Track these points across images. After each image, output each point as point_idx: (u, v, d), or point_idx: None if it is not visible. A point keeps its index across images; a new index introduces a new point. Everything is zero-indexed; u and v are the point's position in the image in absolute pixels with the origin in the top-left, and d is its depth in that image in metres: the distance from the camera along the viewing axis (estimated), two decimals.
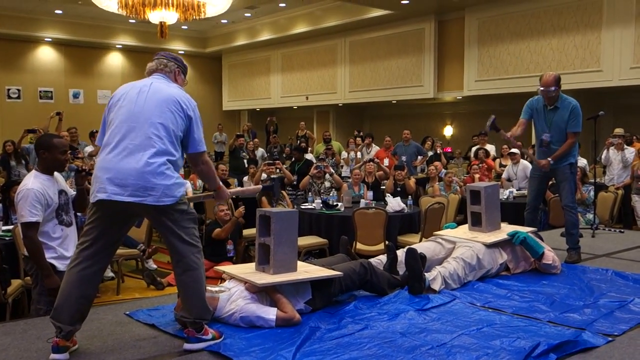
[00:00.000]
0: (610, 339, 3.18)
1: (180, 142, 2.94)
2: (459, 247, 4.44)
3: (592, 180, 7.79)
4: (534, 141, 7.42)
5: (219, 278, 4.03)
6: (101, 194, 2.81)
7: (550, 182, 5.71)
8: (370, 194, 7.97)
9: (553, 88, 5.01)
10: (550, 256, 4.58)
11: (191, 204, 3.07)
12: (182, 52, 20.32)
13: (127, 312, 3.60)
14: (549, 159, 5.09)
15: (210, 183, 3.23)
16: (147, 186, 2.78)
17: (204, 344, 3.00)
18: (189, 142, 2.96)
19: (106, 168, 2.82)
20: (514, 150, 9.30)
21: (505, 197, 7.95)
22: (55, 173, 3.69)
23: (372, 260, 4.20)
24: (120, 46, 19.34)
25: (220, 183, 3.26)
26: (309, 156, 11.50)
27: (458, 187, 8.57)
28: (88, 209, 2.95)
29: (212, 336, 3.05)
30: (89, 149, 9.69)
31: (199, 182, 9.27)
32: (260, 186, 3.71)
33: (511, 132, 5.33)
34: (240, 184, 9.75)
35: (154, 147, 2.80)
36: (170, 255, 2.99)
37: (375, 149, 11.68)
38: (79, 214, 4.13)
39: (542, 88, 5.04)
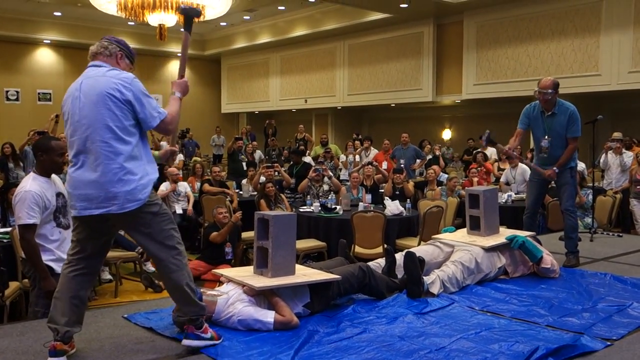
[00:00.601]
0: (608, 343, 3.18)
1: (135, 125, 2.84)
2: (457, 251, 4.44)
3: (591, 184, 7.80)
4: (531, 145, 7.42)
5: (217, 281, 4.03)
6: (73, 210, 2.87)
7: (550, 186, 5.71)
8: (368, 197, 7.97)
9: (550, 91, 5.02)
10: (549, 260, 4.58)
11: (164, 205, 2.98)
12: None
13: (125, 315, 3.58)
14: (554, 168, 5.09)
15: (177, 112, 3.02)
16: (108, 196, 2.76)
17: (203, 342, 3.00)
18: (141, 124, 2.86)
19: (71, 184, 2.85)
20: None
21: (503, 200, 7.95)
22: (53, 175, 3.69)
23: (370, 263, 4.20)
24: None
25: (171, 110, 2.97)
26: (307, 159, 11.50)
27: (462, 191, 8.57)
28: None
29: (211, 336, 3.04)
30: None
31: (197, 184, 9.28)
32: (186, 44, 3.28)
33: (509, 145, 5.36)
34: (239, 187, 9.76)
35: (103, 154, 2.76)
36: (152, 259, 2.98)
37: (374, 152, 11.69)
38: None
39: (539, 89, 5.06)
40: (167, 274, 2.91)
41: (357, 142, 12.56)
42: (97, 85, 2.81)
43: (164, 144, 3.96)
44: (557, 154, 5.14)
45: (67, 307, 2.86)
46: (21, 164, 9.42)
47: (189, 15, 3.25)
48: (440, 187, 8.99)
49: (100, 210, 2.78)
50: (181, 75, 3.16)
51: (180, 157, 11.65)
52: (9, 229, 5.34)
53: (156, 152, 3.25)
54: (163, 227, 2.89)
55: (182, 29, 3.26)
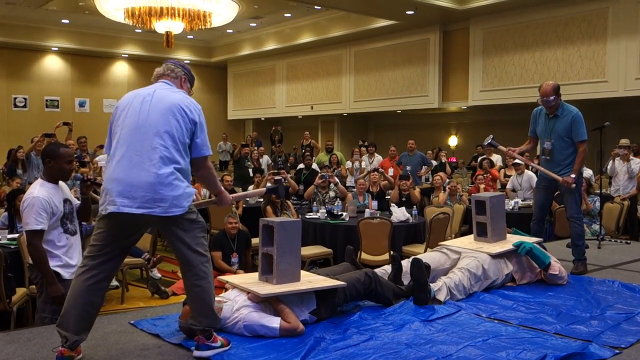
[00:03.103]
0: (617, 351, 3.16)
1: (189, 148, 2.93)
2: (464, 258, 4.42)
3: (598, 191, 7.76)
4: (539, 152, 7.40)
5: (223, 287, 4.04)
6: (111, 206, 2.81)
7: (556, 193, 5.69)
8: (375, 203, 7.97)
9: (552, 97, 5.01)
10: (557, 267, 4.55)
11: (199, 214, 3.05)
12: (188, 61, 20.41)
13: (132, 322, 3.59)
14: (572, 175, 5.06)
15: (211, 188, 3.23)
16: (155, 197, 2.78)
17: (214, 352, 3.01)
18: (192, 147, 2.94)
19: (115, 180, 2.82)
20: (518, 160, 9.29)
21: (510, 207, 7.92)
22: (60, 182, 3.70)
23: (377, 270, 4.18)
24: (126, 55, 19.46)
25: (222, 188, 3.24)
26: (313, 166, 11.51)
27: (463, 196, 8.56)
28: (97, 219, 2.95)
29: (221, 344, 3.05)
30: (103, 158, 9.68)
31: (204, 192, 9.29)
32: (264, 188, 3.62)
33: (518, 149, 5.37)
34: None
35: (160, 157, 2.80)
36: (180, 264, 3.00)
37: (377, 158, 11.68)
38: (83, 223, 4.13)
39: (541, 98, 5.05)
40: (194, 280, 2.93)
41: (362, 149, 12.55)
42: (170, 97, 2.93)
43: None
44: (560, 157, 5.12)
45: (79, 315, 2.86)
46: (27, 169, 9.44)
47: (276, 190, 3.82)
48: (443, 193, 8.98)
49: (142, 210, 2.78)
50: (235, 196, 3.53)
51: None
52: (16, 235, 5.36)
53: None
54: (197, 234, 2.94)
55: (266, 187, 3.80)
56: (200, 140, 2.94)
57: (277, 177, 3.62)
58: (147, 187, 2.78)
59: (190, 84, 3.17)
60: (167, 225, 2.89)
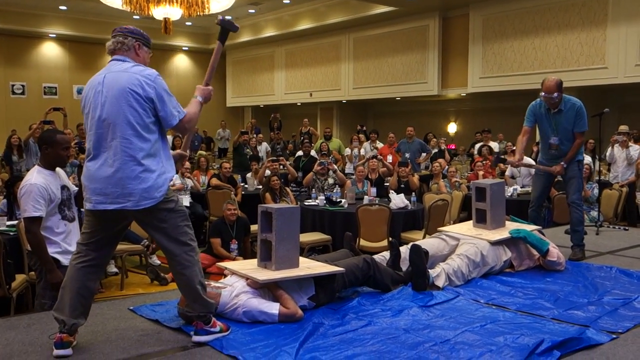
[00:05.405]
0: (614, 336, 3.17)
1: (156, 122, 2.85)
2: (463, 244, 4.43)
3: (597, 178, 7.77)
4: (537, 139, 7.39)
5: (222, 274, 4.05)
6: (87, 203, 2.87)
7: (555, 180, 5.69)
8: (373, 190, 7.97)
9: (555, 94, 4.98)
10: (555, 253, 4.57)
11: (180, 202, 3.01)
12: (186, 48, 20.33)
13: (131, 307, 3.60)
14: (562, 163, 5.08)
15: (196, 114, 3.05)
16: (124, 192, 2.78)
17: (212, 337, 3.02)
18: (162, 122, 2.86)
19: (88, 177, 2.85)
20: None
21: (509, 194, 7.93)
22: (58, 168, 3.70)
23: (375, 257, 4.19)
24: None
25: (199, 99, 3.08)
26: (313, 152, 11.49)
27: (459, 181, 8.57)
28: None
29: (220, 329, 3.07)
30: None
31: (202, 179, 9.30)
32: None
33: (518, 150, 5.39)
34: (244, 181, 9.76)
35: (123, 151, 2.77)
36: (164, 254, 3.00)
37: (379, 145, 11.66)
38: (82, 209, 4.13)
39: (544, 94, 5.01)
40: (179, 270, 2.93)
41: (361, 135, 12.50)
42: (119, 80, 2.81)
43: None
44: (567, 150, 5.12)
45: (74, 298, 2.87)
46: (24, 155, 9.43)
47: (226, 28, 3.29)
48: (443, 180, 9.00)
49: (115, 206, 2.80)
50: (206, 83, 3.19)
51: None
52: (15, 222, 5.37)
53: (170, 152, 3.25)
54: (178, 223, 2.91)
55: (218, 40, 3.28)
56: (164, 112, 2.84)
57: (220, 17, 3.22)
58: (115, 183, 2.77)
59: (146, 46, 3.02)
60: (144, 217, 2.89)
